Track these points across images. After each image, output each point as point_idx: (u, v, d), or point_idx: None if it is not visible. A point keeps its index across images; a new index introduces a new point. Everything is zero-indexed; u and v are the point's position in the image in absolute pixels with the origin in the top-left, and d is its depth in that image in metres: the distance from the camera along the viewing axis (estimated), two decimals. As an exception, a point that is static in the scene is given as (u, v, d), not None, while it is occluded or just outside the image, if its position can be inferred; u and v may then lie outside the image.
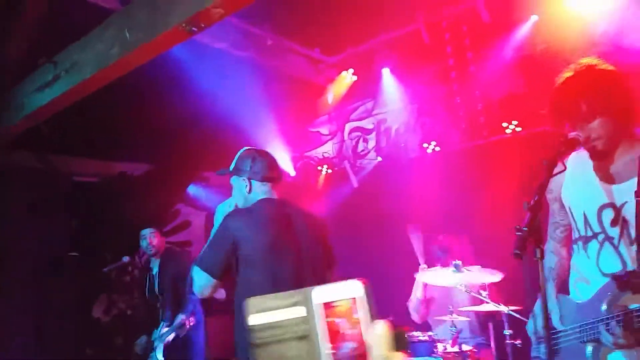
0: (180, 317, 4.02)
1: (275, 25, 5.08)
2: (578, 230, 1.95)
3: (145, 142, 4.90)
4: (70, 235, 4.53)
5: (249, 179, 2.45)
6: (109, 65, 2.78)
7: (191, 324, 4.04)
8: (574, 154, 1.91)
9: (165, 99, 4.76)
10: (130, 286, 4.52)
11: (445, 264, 4.08)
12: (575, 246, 2.00)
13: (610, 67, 1.86)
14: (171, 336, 4.00)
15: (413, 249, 4.79)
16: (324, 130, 6.43)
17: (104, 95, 3.61)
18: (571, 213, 1.97)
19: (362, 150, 5.95)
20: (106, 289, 4.32)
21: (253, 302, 0.83)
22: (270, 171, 2.50)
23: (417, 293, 4.28)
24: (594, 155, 1.86)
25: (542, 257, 1.44)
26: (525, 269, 2.22)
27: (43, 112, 3.40)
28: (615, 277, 1.75)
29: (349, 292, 0.80)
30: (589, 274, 1.88)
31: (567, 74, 1.90)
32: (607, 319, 1.71)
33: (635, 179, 1.74)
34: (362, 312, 0.79)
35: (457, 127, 5.09)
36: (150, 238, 4.17)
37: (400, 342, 0.83)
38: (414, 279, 4.56)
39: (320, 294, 0.79)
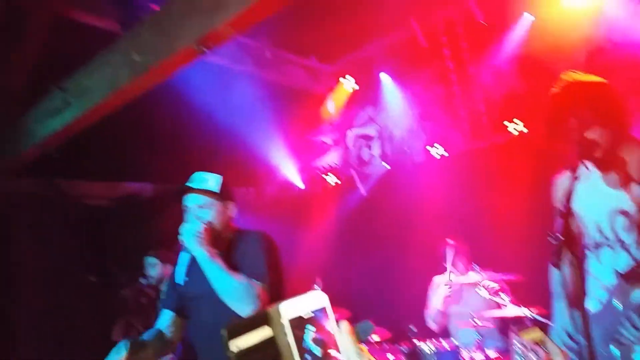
0: None
1: (272, 36, 5.09)
2: (591, 238, 1.97)
3: (152, 161, 4.89)
4: (85, 260, 4.50)
5: (236, 206, 2.43)
6: (119, 89, 2.77)
7: None
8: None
9: (168, 117, 4.77)
10: (147, 307, 4.48)
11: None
12: (589, 253, 2.01)
13: (594, 78, 1.90)
14: None
15: (424, 254, 4.79)
16: (328, 139, 6.42)
17: (108, 117, 3.62)
18: (583, 221, 1.99)
19: (367, 158, 5.95)
20: (123, 312, 4.29)
21: (232, 327, 0.80)
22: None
23: (436, 304, 4.22)
24: (597, 163, 1.91)
25: (581, 263, 1.45)
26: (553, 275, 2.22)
27: (54, 139, 3.38)
28: (623, 275, 1.79)
29: (314, 303, 0.81)
30: (605, 279, 1.89)
31: (554, 91, 1.93)
32: (627, 316, 1.73)
33: None
34: (329, 319, 0.82)
35: (460, 129, 5.10)
36: (150, 268, 4.15)
37: (363, 333, 0.86)
38: (427, 285, 4.54)
39: (288, 309, 0.78)
